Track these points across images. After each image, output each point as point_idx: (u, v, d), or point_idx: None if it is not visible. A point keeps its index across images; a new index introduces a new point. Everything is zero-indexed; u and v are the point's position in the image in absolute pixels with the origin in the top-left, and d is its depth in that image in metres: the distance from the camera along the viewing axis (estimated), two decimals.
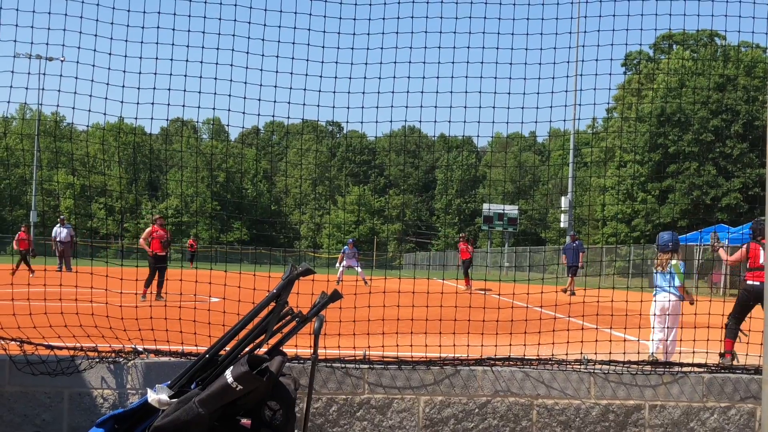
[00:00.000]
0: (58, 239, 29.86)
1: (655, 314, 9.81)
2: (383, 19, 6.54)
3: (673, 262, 9.94)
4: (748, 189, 56.12)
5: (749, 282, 10.29)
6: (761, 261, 10.27)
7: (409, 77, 6.67)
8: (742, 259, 10.78)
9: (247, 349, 4.43)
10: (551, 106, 6.80)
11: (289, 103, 6.71)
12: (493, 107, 6.69)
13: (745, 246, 10.70)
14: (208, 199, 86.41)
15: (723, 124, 57.67)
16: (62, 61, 8.02)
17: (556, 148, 73.79)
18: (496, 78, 6.66)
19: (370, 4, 6.59)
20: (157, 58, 6.45)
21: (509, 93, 6.67)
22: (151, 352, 6.04)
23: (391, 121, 6.90)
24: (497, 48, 6.75)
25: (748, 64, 58.56)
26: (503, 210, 64.41)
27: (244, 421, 4.39)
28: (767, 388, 3.92)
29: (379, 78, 6.66)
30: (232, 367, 4.11)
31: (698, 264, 33.44)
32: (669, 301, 9.76)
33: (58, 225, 30.83)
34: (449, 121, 6.69)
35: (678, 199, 57.37)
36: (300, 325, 4.52)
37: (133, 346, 6.07)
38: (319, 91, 6.70)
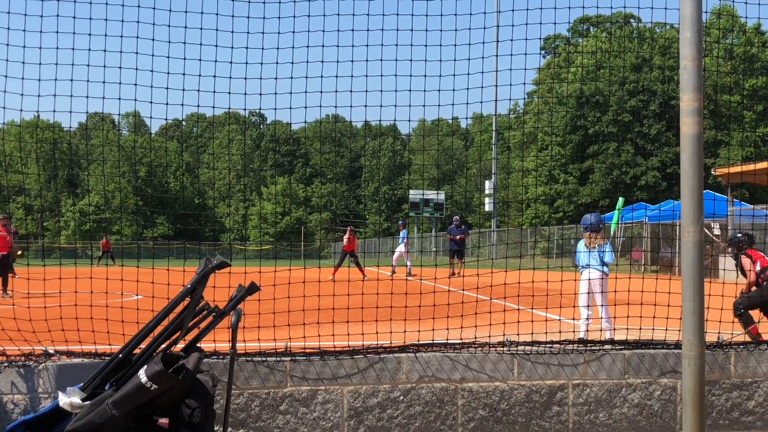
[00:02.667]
0: None
1: (588, 292, 9.94)
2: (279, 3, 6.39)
3: (602, 241, 10.13)
4: (666, 167, 57.69)
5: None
6: None
7: (336, 62, 6.56)
8: (754, 271, 10.90)
9: (162, 346, 4.33)
10: (467, 88, 6.77)
11: (214, 92, 6.54)
12: (410, 90, 6.64)
13: (745, 260, 10.87)
14: (130, 194, 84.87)
15: (640, 104, 59.10)
16: None
17: (480, 131, 74.56)
18: (411, 60, 6.61)
19: None
20: (74, 49, 6.21)
21: (425, 76, 6.62)
22: (62, 354, 5.83)
23: (306, 108, 6.77)
24: (428, 30, 6.69)
25: (663, 44, 60.07)
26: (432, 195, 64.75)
27: (162, 420, 4.29)
28: (687, 363, 3.96)
29: (307, 62, 6.53)
30: (146, 366, 4.01)
31: (619, 241, 34.20)
32: (600, 278, 9.92)
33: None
34: (365, 106, 6.60)
35: (598, 179, 58.63)
36: (217, 319, 4.42)
37: (43, 348, 5.86)
38: (245, 78, 6.54)
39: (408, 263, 29.00)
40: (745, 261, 10.81)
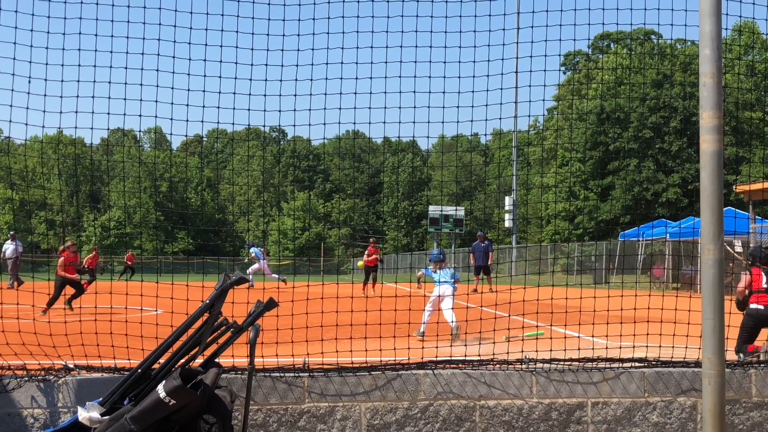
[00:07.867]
0: (6, 255, 29.17)
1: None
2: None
3: None
4: (687, 184, 57.33)
5: (752, 306, 10.19)
6: (763, 284, 10.27)
7: (355, 78, 6.59)
8: (747, 285, 10.62)
9: (180, 362, 4.33)
10: (487, 104, 6.77)
11: (233, 108, 6.58)
12: (428, 106, 6.65)
13: (748, 272, 10.60)
14: (151, 209, 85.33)
15: (661, 121, 58.83)
16: None
17: (499, 147, 74.43)
18: (430, 77, 6.62)
19: (313, 3, 6.49)
20: (95, 66, 6.27)
21: (444, 92, 6.63)
22: (82, 369, 5.86)
23: (325, 124, 6.80)
24: (447, 47, 6.71)
25: (684, 61, 59.81)
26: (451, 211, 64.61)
27: None
28: (707, 382, 3.93)
29: (326, 78, 6.57)
30: (164, 382, 4.01)
31: (640, 259, 33.96)
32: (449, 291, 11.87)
33: (9, 240, 30.07)
34: (384, 122, 6.62)
35: (619, 195, 58.34)
36: (235, 335, 4.43)
37: (63, 362, 5.89)
38: (264, 95, 6.58)
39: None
40: (746, 277, 10.54)
